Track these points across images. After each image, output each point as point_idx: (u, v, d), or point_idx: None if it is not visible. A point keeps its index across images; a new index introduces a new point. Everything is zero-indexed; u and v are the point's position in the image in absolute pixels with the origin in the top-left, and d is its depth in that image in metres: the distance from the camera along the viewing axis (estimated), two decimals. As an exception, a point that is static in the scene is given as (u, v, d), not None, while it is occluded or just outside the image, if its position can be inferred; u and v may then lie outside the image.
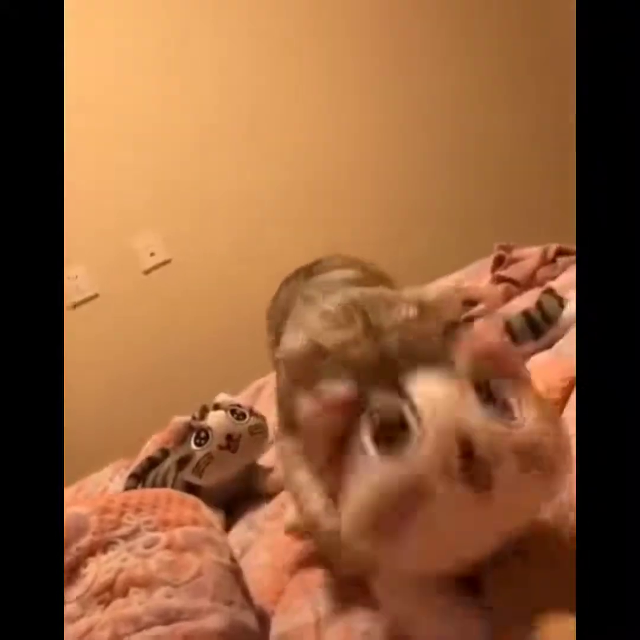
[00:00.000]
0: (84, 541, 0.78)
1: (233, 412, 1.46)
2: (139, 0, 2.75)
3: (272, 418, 1.31)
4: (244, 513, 1.42)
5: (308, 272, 0.99)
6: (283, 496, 1.33)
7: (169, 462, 1.53)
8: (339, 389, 0.67)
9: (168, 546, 0.79)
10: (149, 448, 2.00)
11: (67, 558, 0.76)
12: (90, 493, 1.96)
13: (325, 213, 2.84)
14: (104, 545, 0.79)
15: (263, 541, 1.22)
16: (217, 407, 1.48)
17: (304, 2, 2.81)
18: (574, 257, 1.66)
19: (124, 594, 0.73)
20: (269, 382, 1.92)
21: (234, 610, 0.77)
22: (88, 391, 2.62)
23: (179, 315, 2.80)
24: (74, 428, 1.96)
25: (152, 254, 2.79)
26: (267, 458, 1.52)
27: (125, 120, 2.75)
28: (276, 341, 0.96)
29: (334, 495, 0.67)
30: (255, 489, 1.48)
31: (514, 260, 1.78)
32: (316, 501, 0.76)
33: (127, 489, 1.56)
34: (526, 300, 1.50)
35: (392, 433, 0.62)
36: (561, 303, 1.32)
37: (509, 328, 1.33)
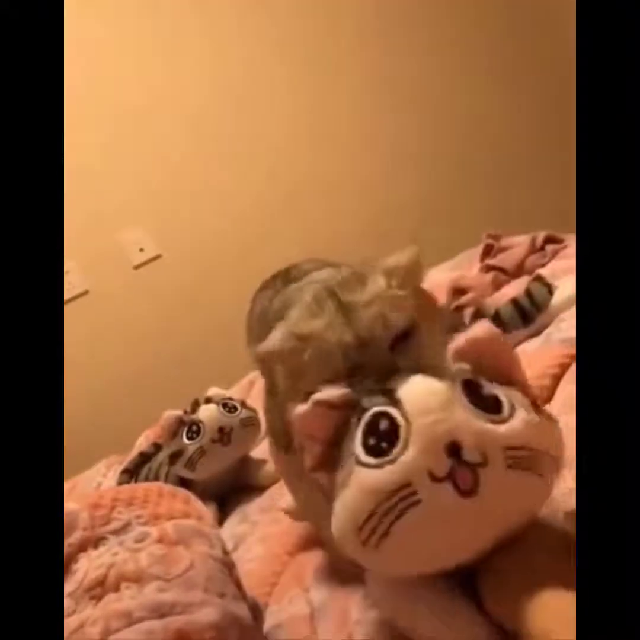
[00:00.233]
0: (75, 537, 0.78)
1: (224, 405, 1.46)
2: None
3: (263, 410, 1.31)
4: (237, 506, 1.42)
5: (285, 279, 0.98)
6: (276, 489, 1.33)
7: (162, 456, 1.53)
8: (330, 391, 0.67)
9: (159, 540, 0.79)
10: (142, 443, 2.00)
11: (59, 555, 0.76)
12: (84, 490, 1.96)
13: (314, 206, 2.83)
14: (95, 541, 0.78)
15: (256, 534, 1.22)
16: (208, 400, 1.48)
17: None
18: (562, 245, 1.66)
19: (116, 589, 0.73)
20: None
21: (227, 603, 0.76)
22: (80, 387, 2.60)
23: (170, 310, 2.79)
24: (65, 425, 1.95)
25: (141, 250, 2.78)
26: (260, 450, 1.52)
27: (114, 116, 2.72)
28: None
29: (328, 495, 0.67)
30: (248, 481, 1.48)
31: (503, 249, 1.78)
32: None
33: (119, 484, 1.56)
34: (515, 289, 1.50)
35: (382, 436, 0.63)
36: (550, 290, 1.32)
37: (498, 316, 1.33)
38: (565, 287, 1.31)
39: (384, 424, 0.63)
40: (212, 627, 0.71)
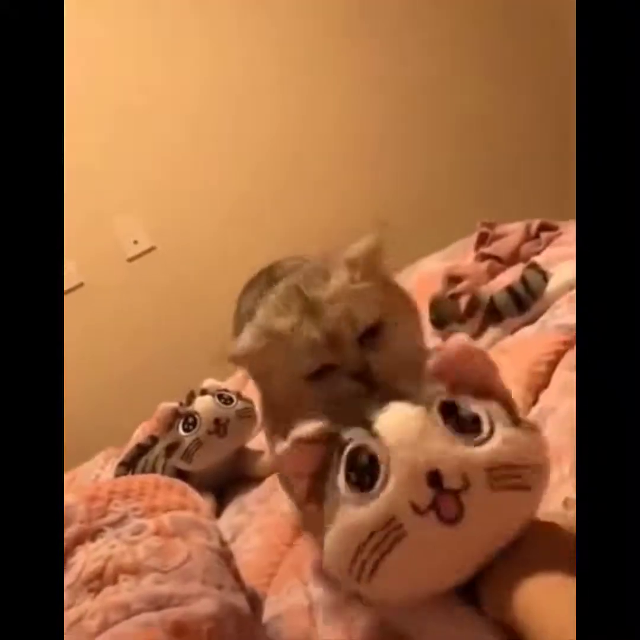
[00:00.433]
0: (72, 530, 0.77)
1: (220, 396, 1.45)
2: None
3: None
4: (235, 497, 1.42)
5: (270, 278, 0.97)
6: (272, 479, 1.33)
7: (158, 449, 1.53)
8: (307, 427, 0.66)
9: (156, 532, 0.78)
10: (139, 435, 2.00)
11: (56, 548, 0.75)
12: (82, 482, 1.96)
13: (308, 197, 2.82)
14: (92, 534, 0.78)
15: (254, 524, 1.22)
16: (204, 392, 1.47)
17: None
18: (556, 232, 1.66)
19: (114, 581, 0.73)
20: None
21: (225, 594, 0.76)
22: (76, 380, 2.59)
23: (165, 301, 2.78)
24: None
25: (135, 242, 2.77)
26: (256, 441, 1.52)
27: (108, 107, 2.71)
28: None
29: (319, 527, 0.67)
30: (245, 472, 1.48)
31: (497, 237, 1.78)
32: None
33: (116, 476, 1.56)
34: (510, 276, 1.50)
35: (363, 470, 0.62)
36: (545, 277, 1.32)
37: (493, 303, 1.33)
38: (561, 274, 1.31)
39: (364, 459, 0.63)
40: (209, 619, 0.71)
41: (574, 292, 1.24)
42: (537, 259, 1.48)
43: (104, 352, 2.76)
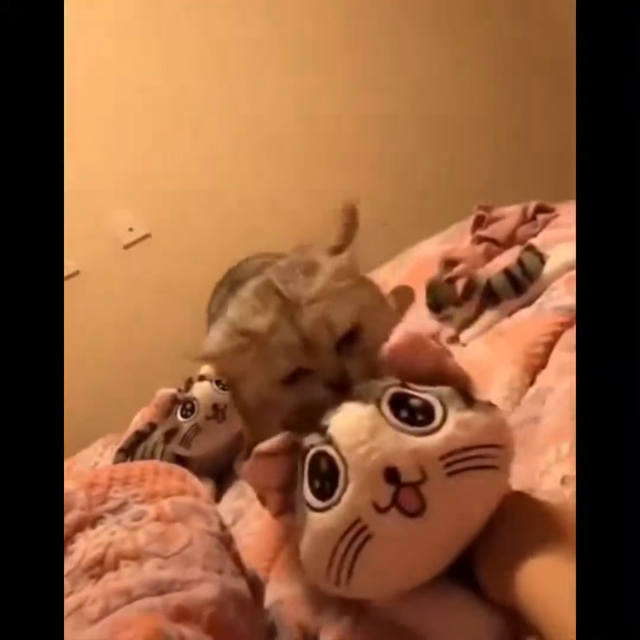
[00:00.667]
0: (72, 517, 0.77)
1: (218, 382, 1.45)
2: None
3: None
4: (234, 482, 1.42)
5: (232, 282, 0.95)
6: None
7: (157, 435, 1.53)
8: (270, 441, 0.66)
9: (157, 518, 0.78)
10: (137, 422, 2.00)
11: (56, 535, 0.75)
12: (82, 468, 1.96)
13: (303, 185, 2.82)
14: (92, 520, 0.78)
15: (253, 508, 1.22)
16: (202, 378, 1.47)
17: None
18: (553, 214, 1.65)
19: (115, 567, 0.73)
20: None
21: (225, 579, 0.76)
22: (73, 367, 2.59)
23: (161, 288, 2.78)
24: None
25: (130, 229, 2.76)
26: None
27: (103, 95, 2.69)
28: None
29: (294, 535, 0.67)
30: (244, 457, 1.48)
31: (494, 220, 1.77)
32: None
33: (115, 463, 1.56)
34: (507, 259, 1.49)
35: (324, 477, 0.63)
36: (542, 259, 1.32)
37: (490, 286, 1.33)
38: (557, 256, 1.31)
39: (323, 465, 0.63)
40: (211, 603, 0.71)
41: (571, 273, 1.24)
42: (534, 241, 1.48)
43: (101, 339, 2.76)
